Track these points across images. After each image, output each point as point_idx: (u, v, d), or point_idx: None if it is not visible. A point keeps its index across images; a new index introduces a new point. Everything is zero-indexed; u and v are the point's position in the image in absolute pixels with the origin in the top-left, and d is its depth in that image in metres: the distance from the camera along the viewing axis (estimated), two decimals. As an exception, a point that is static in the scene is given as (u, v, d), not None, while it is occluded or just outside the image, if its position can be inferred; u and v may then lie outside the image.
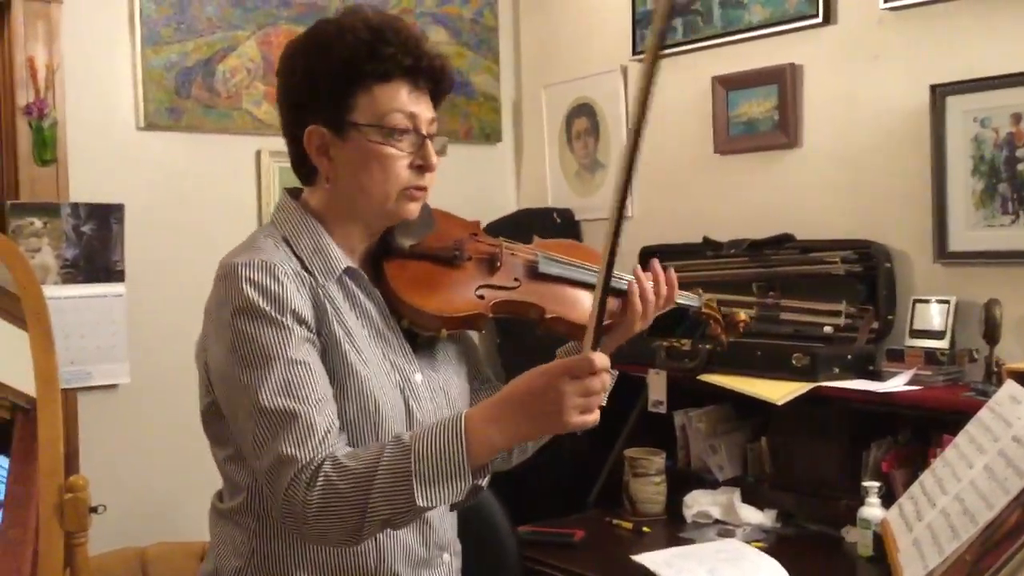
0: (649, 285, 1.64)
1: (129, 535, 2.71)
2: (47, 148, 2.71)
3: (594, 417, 1.32)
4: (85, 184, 2.80)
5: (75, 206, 2.76)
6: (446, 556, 1.57)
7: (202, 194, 3.02)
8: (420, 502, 1.28)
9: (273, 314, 1.37)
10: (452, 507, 1.40)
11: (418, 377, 1.52)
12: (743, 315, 1.88)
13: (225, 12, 3.03)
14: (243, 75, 3.07)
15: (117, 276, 2.83)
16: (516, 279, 1.61)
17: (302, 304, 1.40)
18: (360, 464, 1.31)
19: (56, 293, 2.66)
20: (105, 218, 2.80)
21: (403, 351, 1.52)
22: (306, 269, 1.45)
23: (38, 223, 2.70)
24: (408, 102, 1.45)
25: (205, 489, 3.07)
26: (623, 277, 1.64)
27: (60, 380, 2.33)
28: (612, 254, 1.31)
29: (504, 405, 1.33)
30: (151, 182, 2.93)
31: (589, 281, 1.64)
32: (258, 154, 3.08)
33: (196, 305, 3.04)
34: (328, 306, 1.44)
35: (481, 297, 1.56)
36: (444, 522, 1.56)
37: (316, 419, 1.34)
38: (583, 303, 1.62)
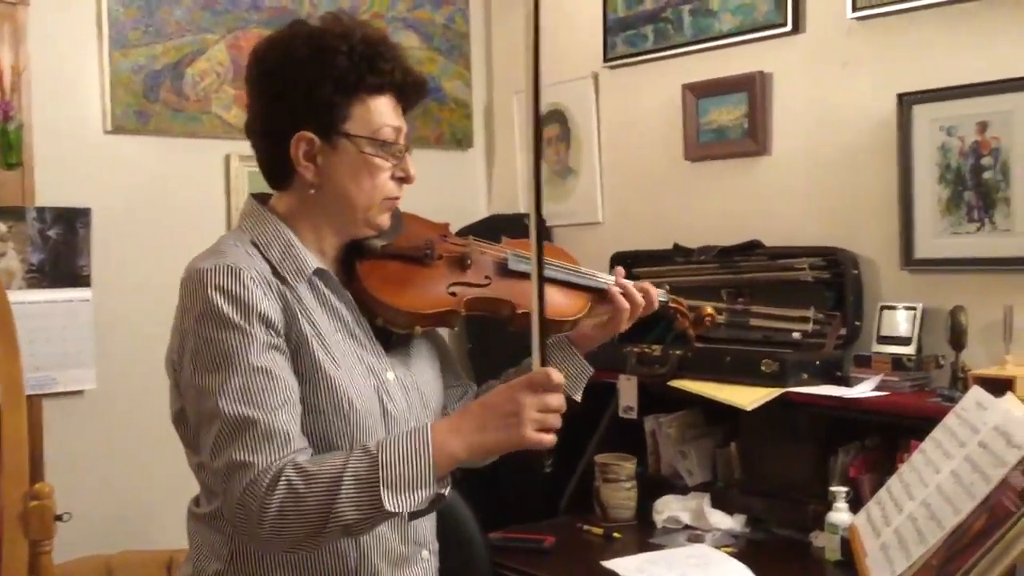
0: (630, 284, 1.69)
1: (95, 543, 2.68)
2: (13, 151, 2.67)
3: (550, 438, 1.38)
4: (51, 188, 2.76)
5: (41, 210, 2.73)
6: (425, 553, 1.60)
7: (170, 198, 2.99)
8: (389, 507, 1.30)
9: (236, 319, 1.38)
10: (412, 516, 1.43)
11: (391, 375, 1.54)
12: (709, 309, 1.90)
13: (194, 15, 3.01)
14: (212, 79, 3.05)
15: (83, 281, 2.80)
16: (487, 276, 1.65)
17: (269, 307, 1.41)
18: (324, 469, 1.32)
19: (21, 298, 2.63)
20: (71, 222, 2.77)
21: (375, 350, 1.54)
22: (275, 272, 1.46)
23: (3, 227, 2.67)
24: (394, 116, 1.52)
25: (172, 497, 3.04)
26: (599, 277, 1.71)
27: (25, 386, 2.31)
28: (540, 260, 1.40)
29: (466, 416, 1.39)
30: (119, 186, 2.90)
31: (559, 278, 1.68)
32: (227, 158, 3.06)
33: (164, 311, 3.02)
34: (298, 308, 1.45)
35: (453, 294, 1.60)
36: (423, 520, 1.58)
37: (275, 425, 1.35)
38: (554, 298, 1.65)
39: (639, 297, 1.69)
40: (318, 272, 1.50)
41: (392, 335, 1.58)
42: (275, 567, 1.46)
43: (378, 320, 1.56)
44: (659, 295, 1.79)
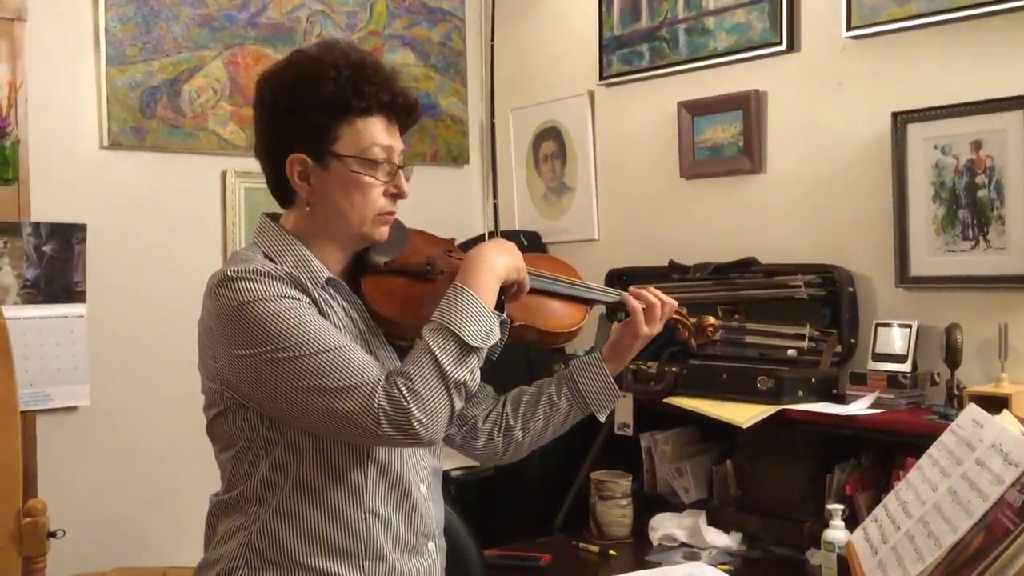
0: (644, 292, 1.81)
1: (88, 560, 2.67)
2: (9, 167, 2.67)
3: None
4: (47, 203, 2.77)
5: (36, 225, 2.73)
6: (431, 546, 1.65)
7: (166, 214, 2.99)
8: (475, 343, 1.48)
9: (276, 294, 1.48)
10: (492, 353, 1.56)
11: None
12: (712, 320, 1.92)
13: (191, 32, 3.02)
14: (209, 95, 3.05)
15: (78, 297, 2.79)
16: None
17: (296, 293, 1.51)
18: (417, 360, 1.47)
19: (16, 314, 2.62)
20: (67, 238, 2.77)
21: (389, 355, 1.63)
22: (292, 281, 1.54)
23: (-2, 242, 2.67)
24: (385, 135, 1.59)
25: (166, 513, 3.04)
26: (603, 290, 1.83)
27: (19, 402, 2.30)
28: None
29: (475, 253, 1.60)
30: (114, 202, 2.91)
31: (557, 291, 1.76)
32: (223, 174, 3.06)
33: (159, 327, 3.04)
34: (319, 302, 1.54)
35: None
36: (430, 511, 1.64)
37: (356, 353, 1.48)
38: (552, 311, 1.74)
39: (652, 297, 1.79)
40: (330, 281, 1.59)
41: (399, 347, 1.64)
42: (291, 547, 1.53)
43: (382, 333, 1.63)
44: None
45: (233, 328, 1.48)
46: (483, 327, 1.50)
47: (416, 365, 1.46)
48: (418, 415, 1.43)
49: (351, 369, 1.45)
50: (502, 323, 1.55)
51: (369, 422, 1.43)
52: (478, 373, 1.51)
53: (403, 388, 1.43)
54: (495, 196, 1.69)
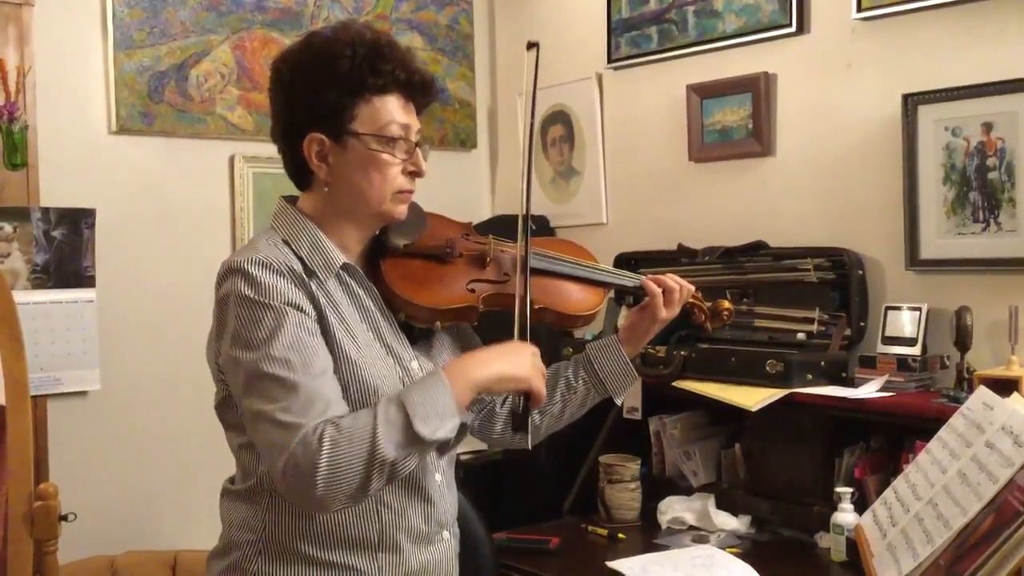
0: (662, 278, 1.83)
1: (99, 544, 2.69)
2: (17, 152, 2.68)
3: (542, 386, 1.58)
4: (56, 188, 2.77)
5: (46, 211, 2.73)
6: (446, 534, 1.66)
7: (175, 199, 3.00)
8: (423, 432, 1.39)
9: (270, 302, 1.46)
10: (439, 451, 1.51)
11: (415, 365, 1.62)
12: (727, 303, 1.94)
13: (199, 16, 3.01)
14: (217, 80, 3.05)
15: (88, 282, 2.80)
16: (505, 273, 1.72)
17: (298, 297, 1.49)
18: (357, 421, 1.40)
19: (26, 299, 2.63)
20: (76, 223, 2.77)
21: (400, 340, 1.62)
22: (306, 268, 1.54)
23: (8, 228, 2.67)
24: (402, 113, 1.58)
25: (176, 497, 3.06)
26: (621, 274, 1.84)
27: (30, 387, 2.30)
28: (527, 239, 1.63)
29: (474, 354, 1.59)
30: (123, 187, 2.91)
31: (574, 274, 1.79)
32: (231, 159, 3.06)
33: (168, 311, 3.05)
34: (325, 301, 1.53)
35: (472, 291, 1.68)
36: (444, 500, 1.65)
37: (318, 391, 1.43)
38: (570, 294, 1.77)
39: (670, 281, 1.81)
40: (345, 266, 1.58)
41: (415, 329, 1.66)
42: (304, 539, 1.53)
43: (400, 315, 1.63)
44: None
45: (222, 321, 1.50)
46: (440, 421, 1.43)
47: (354, 419, 1.41)
48: (324, 472, 1.35)
49: (297, 407, 1.40)
50: (462, 425, 1.48)
51: (278, 463, 1.38)
52: (413, 462, 1.43)
53: (326, 438, 1.37)
54: (528, 180, 1.67)
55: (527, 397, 1.59)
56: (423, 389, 1.45)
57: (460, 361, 1.55)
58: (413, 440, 1.40)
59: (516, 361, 1.55)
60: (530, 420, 1.67)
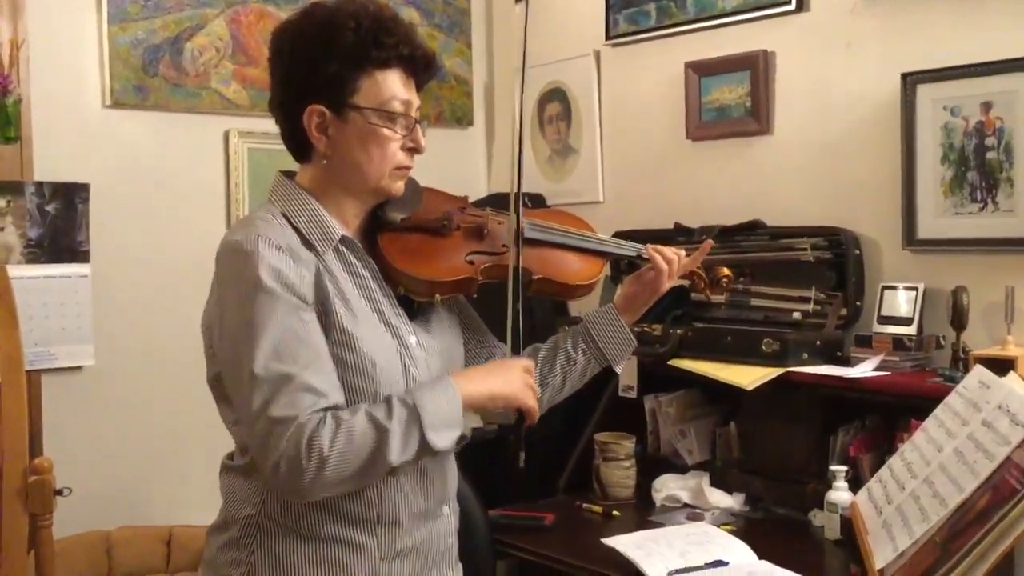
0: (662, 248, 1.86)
1: (94, 518, 2.69)
2: (11, 126, 2.65)
3: (535, 404, 1.61)
4: (50, 163, 2.75)
5: (39, 185, 2.71)
6: (445, 509, 1.67)
7: (169, 174, 2.98)
8: (436, 444, 1.44)
9: (265, 284, 1.44)
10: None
11: (413, 339, 1.61)
12: (726, 270, 1.96)
13: (194, -11, 2.99)
14: (212, 54, 3.02)
15: (82, 256, 2.78)
16: (503, 245, 1.72)
17: (295, 275, 1.48)
18: (363, 420, 1.42)
19: (20, 273, 2.61)
20: (70, 197, 2.76)
21: (398, 315, 1.61)
22: (305, 241, 1.53)
23: (1, 202, 2.66)
24: (403, 89, 1.57)
25: (171, 472, 3.06)
26: (619, 243, 1.88)
27: (24, 361, 2.30)
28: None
29: (475, 369, 1.66)
30: (117, 161, 2.89)
31: (572, 244, 1.80)
32: (226, 134, 3.03)
33: (163, 286, 3.04)
34: (325, 275, 1.52)
35: (470, 262, 1.69)
36: (444, 475, 1.66)
37: (310, 380, 1.42)
38: (569, 264, 1.79)
39: (670, 252, 1.85)
40: (344, 240, 1.58)
41: (414, 303, 1.66)
42: (303, 513, 1.52)
43: (400, 289, 1.63)
44: None
45: (218, 300, 1.50)
46: (448, 431, 1.48)
47: (354, 416, 1.42)
48: (315, 467, 1.38)
49: (287, 398, 1.40)
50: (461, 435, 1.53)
51: (271, 457, 1.39)
52: (411, 464, 1.49)
53: (323, 434, 1.38)
54: (520, 159, 1.68)
55: (521, 415, 1.60)
56: (435, 395, 1.48)
57: (464, 374, 1.59)
58: (423, 448, 1.45)
59: (507, 379, 1.58)
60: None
